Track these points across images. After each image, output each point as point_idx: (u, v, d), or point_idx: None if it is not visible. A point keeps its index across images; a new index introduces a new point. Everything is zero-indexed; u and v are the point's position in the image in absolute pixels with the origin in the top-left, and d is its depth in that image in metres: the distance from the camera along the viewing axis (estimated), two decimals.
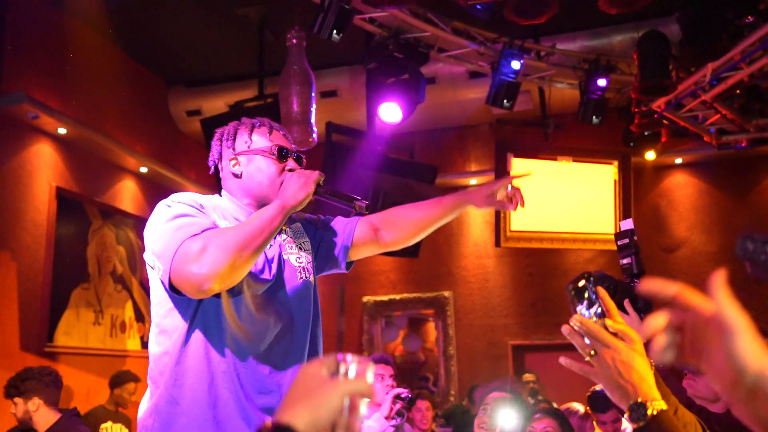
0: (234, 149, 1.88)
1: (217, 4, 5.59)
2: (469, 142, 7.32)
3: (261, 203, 1.82)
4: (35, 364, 4.14)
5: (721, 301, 0.73)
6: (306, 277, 1.84)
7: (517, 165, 5.75)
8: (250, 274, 1.69)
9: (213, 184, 1.96)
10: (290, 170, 1.84)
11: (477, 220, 7.21)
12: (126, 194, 6.31)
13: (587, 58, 5.51)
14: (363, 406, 0.80)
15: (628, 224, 2.44)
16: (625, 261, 2.38)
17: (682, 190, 6.92)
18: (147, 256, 1.70)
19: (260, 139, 1.87)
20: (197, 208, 1.73)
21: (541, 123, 5.98)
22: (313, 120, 4.68)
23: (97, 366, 5.63)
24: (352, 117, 6.16)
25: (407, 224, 1.98)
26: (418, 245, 5.74)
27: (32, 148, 5.34)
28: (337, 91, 6.45)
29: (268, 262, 1.77)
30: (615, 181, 5.97)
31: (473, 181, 7.18)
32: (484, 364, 6.94)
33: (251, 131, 1.89)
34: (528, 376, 6.21)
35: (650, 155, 6.06)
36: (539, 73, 5.60)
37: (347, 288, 7.05)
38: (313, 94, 4.70)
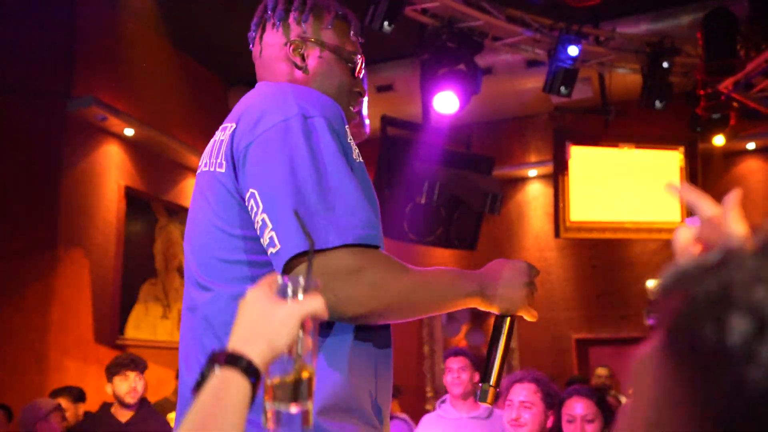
0: (317, 33, 1.29)
1: None
2: (528, 133, 7.18)
3: None
4: (108, 356, 4.33)
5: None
6: None
7: (576, 153, 5.60)
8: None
9: None
10: (358, 93, 1.34)
11: (537, 212, 7.07)
12: (190, 192, 6.42)
13: (649, 41, 5.32)
14: (317, 325, 0.75)
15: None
16: None
17: (755, 176, 6.59)
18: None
19: (347, 40, 1.33)
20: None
21: (602, 111, 5.80)
22: (365, 112, 4.69)
23: (165, 359, 5.81)
24: (409, 111, 6.13)
25: None
26: (476, 238, 5.69)
27: (101, 149, 5.57)
28: (393, 85, 6.45)
29: None
30: (681, 168, 5.74)
31: (532, 173, 7.04)
32: (547, 358, 6.81)
33: (336, 22, 1.32)
34: (601, 371, 6.05)
35: (719, 140, 5.78)
36: (599, 59, 5.45)
37: None
38: (365, 87, 4.70)
